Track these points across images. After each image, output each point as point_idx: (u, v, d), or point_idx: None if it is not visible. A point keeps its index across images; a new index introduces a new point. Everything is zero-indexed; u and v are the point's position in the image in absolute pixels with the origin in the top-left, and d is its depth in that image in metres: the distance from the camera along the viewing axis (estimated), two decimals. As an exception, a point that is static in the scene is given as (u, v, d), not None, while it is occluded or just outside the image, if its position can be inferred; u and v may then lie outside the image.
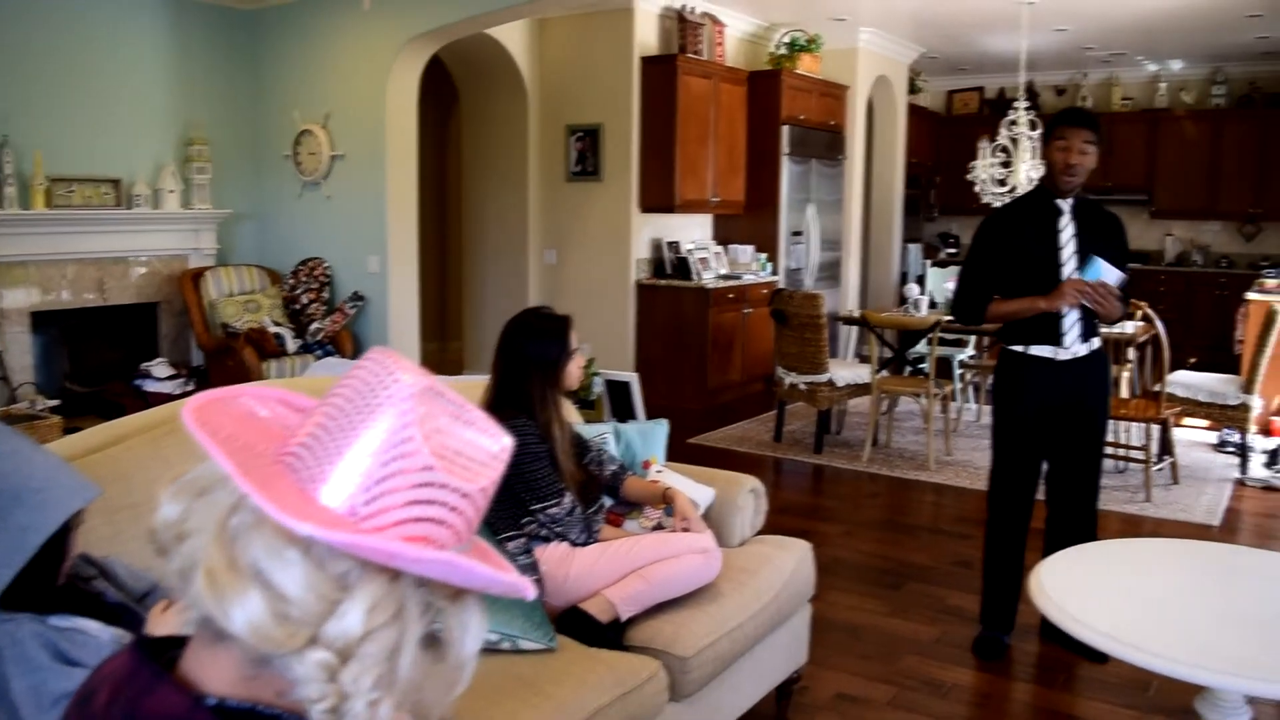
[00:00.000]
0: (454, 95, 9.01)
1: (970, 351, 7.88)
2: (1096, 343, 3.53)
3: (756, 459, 6.57)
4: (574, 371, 3.04)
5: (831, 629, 3.97)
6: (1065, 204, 3.48)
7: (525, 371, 2.95)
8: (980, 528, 5.25)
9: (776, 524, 5.16)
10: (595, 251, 8.26)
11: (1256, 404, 6.21)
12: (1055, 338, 3.46)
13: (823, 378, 6.46)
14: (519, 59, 8.22)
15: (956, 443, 6.87)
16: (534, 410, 2.94)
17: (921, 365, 7.02)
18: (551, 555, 2.88)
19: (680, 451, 6.63)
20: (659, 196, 7.98)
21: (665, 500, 3.13)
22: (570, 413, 3.63)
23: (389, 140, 7.04)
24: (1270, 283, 7.75)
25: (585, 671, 2.50)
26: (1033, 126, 7.11)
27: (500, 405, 2.95)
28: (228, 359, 6.69)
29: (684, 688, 2.71)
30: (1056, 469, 3.64)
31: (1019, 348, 3.56)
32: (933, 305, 7.49)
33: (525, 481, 2.86)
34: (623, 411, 4.04)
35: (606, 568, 2.87)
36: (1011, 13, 7.88)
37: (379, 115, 7.03)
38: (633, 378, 4.05)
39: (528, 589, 0.93)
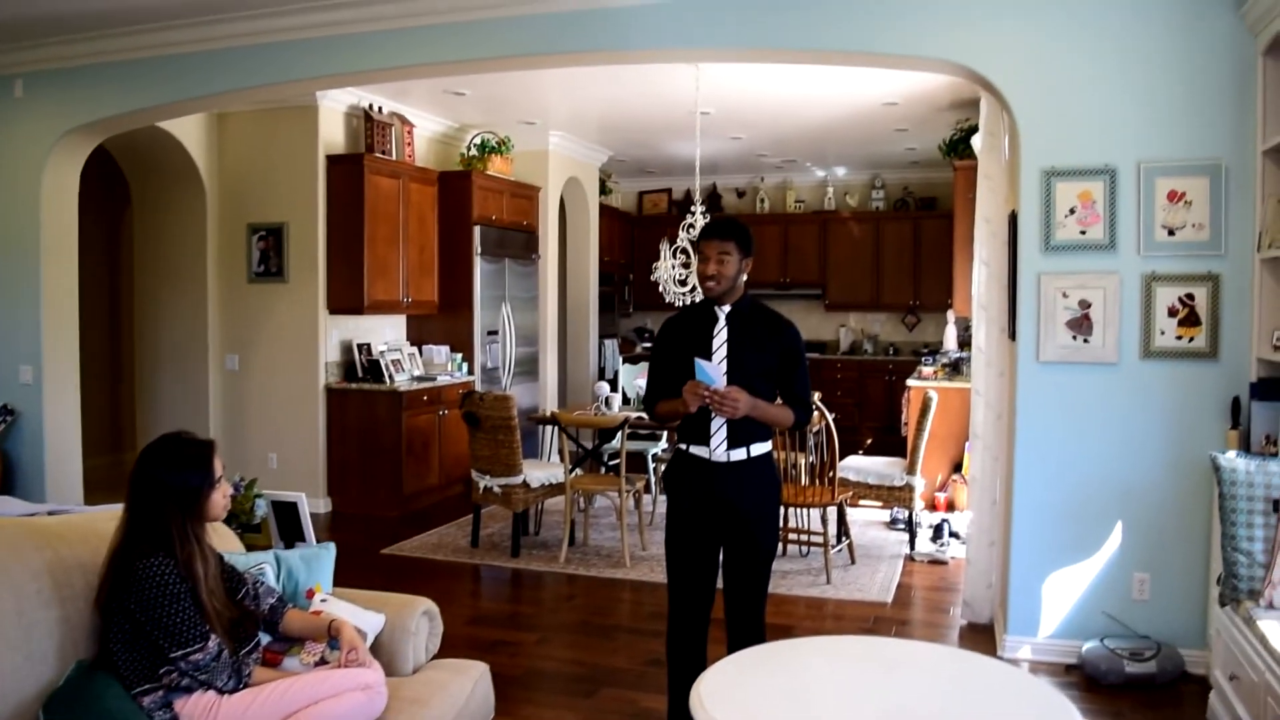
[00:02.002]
0: (126, 192, 8.43)
1: (664, 445, 8.08)
2: (757, 449, 3.59)
3: (453, 566, 6.39)
4: (219, 501, 2.82)
5: (521, 747, 3.85)
6: (722, 310, 3.58)
7: (162, 504, 2.71)
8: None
9: (471, 636, 5.04)
10: (281, 356, 7.89)
11: (919, 483, 6.70)
12: (705, 439, 3.58)
13: (517, 479, 6.40)
14: (196, 155, 7.82)
15: (652, 536, 6.96)
16: (173, 546, 2.69)
17: (616, 461, 7.11)
18: (194, 707, 2.61)
19: (374, 563, 6.39)
20: (348, 298, 7.76)
21: (330, 632, 2.94)
22: (228, 540, 3.38)
23: (45, 240, 6.44)
24: (927, 370, 8.44)
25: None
26: (710, 229, 7.48)
27: (134, 542, 2.68)
28: None
29: (349, 838, 2.52)
30: (727, 565, 3.70)
31: (683, 446, 3.65)
32: (626, 401, 7.65)
33: (163, 627, 2.60)
34: (291, 534, 3.80)
35: (258, 715, 2.65)
36: (689, 121, 8.32)
37: (32, 212, 6.43)
38: (300, 497, 3.81)
39: None
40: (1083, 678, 4.53)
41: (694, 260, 7.43)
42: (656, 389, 3.74)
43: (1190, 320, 4.51)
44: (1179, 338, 4.52)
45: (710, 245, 3.55)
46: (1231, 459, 3.92)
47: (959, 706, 2.46)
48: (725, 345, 3.56)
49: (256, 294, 7.93)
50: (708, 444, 3.54)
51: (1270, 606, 3.62)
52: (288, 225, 7.80)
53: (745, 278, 3.64)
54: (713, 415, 3.51)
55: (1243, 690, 3.64)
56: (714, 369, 3.40)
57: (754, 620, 3.69)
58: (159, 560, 2.64)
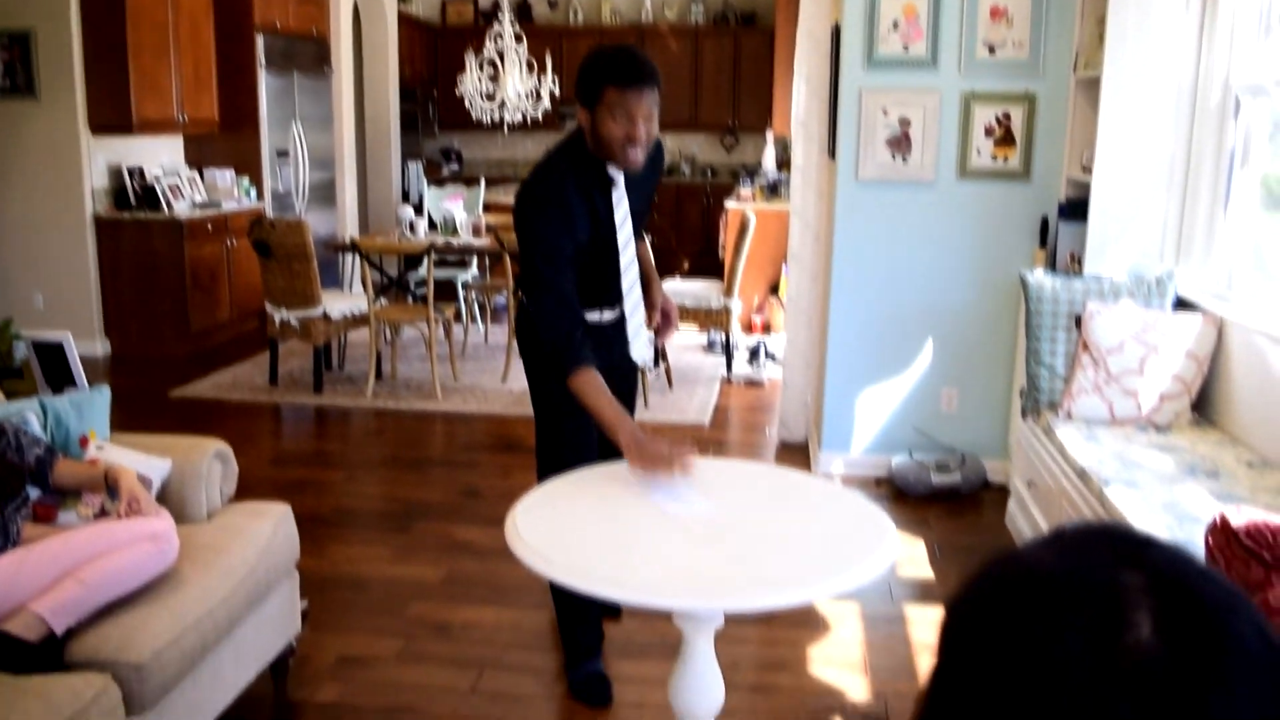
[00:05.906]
0: None
1: (474, 272, 7.78)
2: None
3: (250, 407, 6.01)
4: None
5: (334, 587, 3.67)
6: (618, 174, 2.77)
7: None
8: (490, 453, 5.20)
9: (272, 478, 4.76)
10: (38, 183, 7.01)
11: (737, 306, 6.66)
12: (613, 303, 2.93)
13: (316, 311, 6.01)
14: (-87, -56, 6.71)
15: (464, 367, 6.75)
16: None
17: (423, 290, 6.79)
18: (-50, 573, 2.29)
19: (163, 407, 5.94)
20: (113, 115, 6.92)
21: (108, 481, 2.63)
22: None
23: None
24: (744, 191, 8.36)
25: (9, 707, 2.03)
26: (519, 40, 7.02)
27: None
28: None
29: (144, 698, 2.31)
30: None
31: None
32: (433, 226, 7.27)
33: (-96, 488, 2.25)
34: (59, 379, 3.38)
35: (32, 575, 2.35)
36: (492, -77, 7.72)
37: None
38: (65, 336, 3.39)
39: None
40: (892, 490, 4.67)
41: (503, 72, 6.97)
42: (569, 303, 2.71)
43: (1006, 140, 4.51)
44: (994, 158, 4.53)
45: (639, 98, 2.58)
46: (1039, 276, 4.01)
47: (776, 519, 2.42)
48: (628, 216, 2.84)
49: (2, 114, 7.00)
50: (615, 306, 2.97)
51: (1069, 417, 3.77)
52: (35, 31, 6.83)
53: None
54: (625, 292, 2.92)
55: (1039, 495, 3.82)
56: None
57: None
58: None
